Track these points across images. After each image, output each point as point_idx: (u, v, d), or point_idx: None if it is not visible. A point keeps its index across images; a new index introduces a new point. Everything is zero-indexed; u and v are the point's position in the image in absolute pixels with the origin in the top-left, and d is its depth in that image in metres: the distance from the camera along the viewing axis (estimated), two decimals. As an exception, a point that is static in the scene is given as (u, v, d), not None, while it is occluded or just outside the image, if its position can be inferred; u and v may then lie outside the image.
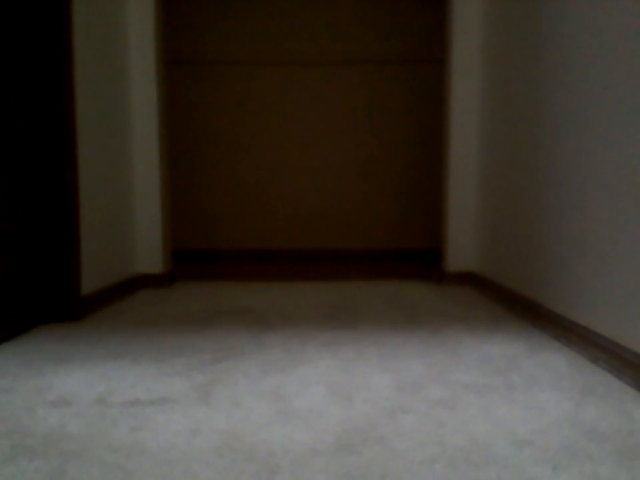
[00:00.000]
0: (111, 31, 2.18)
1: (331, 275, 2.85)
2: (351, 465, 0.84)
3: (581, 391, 1.15)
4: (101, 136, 2.06)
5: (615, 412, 1.04)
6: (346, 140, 3.16)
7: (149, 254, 2.46)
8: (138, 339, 1.58)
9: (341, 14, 3.12)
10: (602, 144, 1.35)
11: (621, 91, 1.26)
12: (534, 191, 1.80)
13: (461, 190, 2.52)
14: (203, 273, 2.89)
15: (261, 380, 1.23)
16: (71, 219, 1.79)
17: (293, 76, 3.12)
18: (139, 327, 1.73)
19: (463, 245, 2.53)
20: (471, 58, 2.46)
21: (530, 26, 1.83)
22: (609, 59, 1.32)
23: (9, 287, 1.62)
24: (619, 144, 1.27)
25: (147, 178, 2.44)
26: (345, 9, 3.12)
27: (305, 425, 0.99)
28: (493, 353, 1.43)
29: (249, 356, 1.41)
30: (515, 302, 1.91)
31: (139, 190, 2.44)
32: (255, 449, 0.89)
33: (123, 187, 2.29)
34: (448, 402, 1.09)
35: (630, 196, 1.22)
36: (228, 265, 3.08)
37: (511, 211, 2.04)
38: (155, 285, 2.46)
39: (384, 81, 3.14)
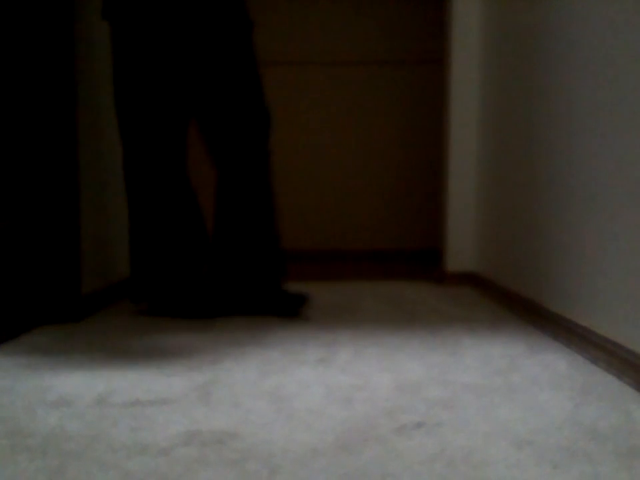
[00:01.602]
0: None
1: (331, 274, 2.85)
2: (351, 464, 0.84)
3: (580, 391, 1.15)
4: (102, 135, 2.06)
5: (615, 412, 1.04)
6: (345, 140, 3.16)
7: (148, 254, 2.45)
8: (138, 339, 1.58)
9: (339, 14, 3.12)
10: (603, 143, 1.35)
11: (622, 90, 1.26)
12: (534, 190, 1.80)
13: (460, 190, 2.52)
14: (202, 273, 2.89)
15: (261, 380, 1.23)
16: (71, 218, 1.79)
17: (292, 76, 3.12)
18: (139, 327, 1.73)
19: (463, 245, 2.53)
20: (471, 58, 2.46)
21: (530, 26, 1.83)
22: (610, 58, 1.32)
23: (9, 286, 1.62)
24: (620, 144, 1.27)
25: (147, 178, 2.43)
26: (343, 9, 3.12)
27: (304, 425, 0.99)
28: (493, 353, 1.43)
29: (248, 356, 1.41)
30: (515, 302, 1.91)
31: (139, 190, 2.43)
32: (255, 449, 0.89)
33: (123, 186, 2.29)
34: (448, 402, 1.09)
35: (630, 196, 1.22)
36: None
37: (511, 211, 2.04)
38: (154, 285, 2.46)
39: (383, 81, 3.14)
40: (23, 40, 1.68)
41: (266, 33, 3.09)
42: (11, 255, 1.63)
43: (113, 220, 2.18)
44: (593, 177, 1.40)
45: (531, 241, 1.82)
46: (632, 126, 1.21)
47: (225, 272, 1.89)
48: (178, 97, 1.81)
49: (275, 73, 3.10)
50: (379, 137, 3.17)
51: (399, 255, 3.16)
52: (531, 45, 1.82)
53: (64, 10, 1.73)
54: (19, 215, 1.68)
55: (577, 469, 0.82)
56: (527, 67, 1.86)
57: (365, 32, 3.11)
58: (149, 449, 0.90)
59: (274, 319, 1.84)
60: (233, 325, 1.75)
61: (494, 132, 2.25)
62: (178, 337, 1.61)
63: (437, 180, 3.02)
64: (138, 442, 0.92)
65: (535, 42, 1.78)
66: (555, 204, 1.63)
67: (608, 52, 1.32)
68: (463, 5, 2.44)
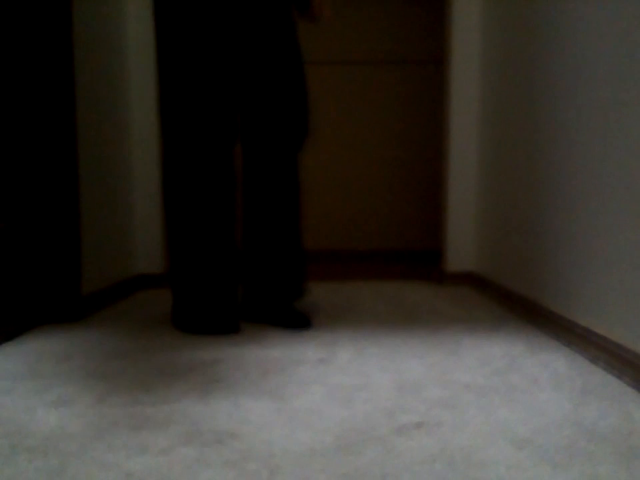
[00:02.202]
0: (111, 31, 2.18)
1: (331, 275, 2.85)
2: (351, 465, 0.84)
3: (580, 391, 1.15)
4: (101, 135, 2.06)
5: (615, 412, 1.04)
6: (344, 140, 3.16)
7: (149, 254, 2.46)
8: (138, 339, 1.58)
9: (339, 14, 3.12)
10: (602, 143, 1.35)
11: (623, 90, 1.26)
12: (534, 191, 1.80)
13: (461, 190, 2.51)
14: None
15: (261, 380, 1.23)
16: (71, 219, 1.79)
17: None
18: (139, 327, 1.73)
19: (463, 245, 2.53)
20: (471, 58, 2.46)
21: (530, 26, 1.83)
22: (608, 58, 1.32)
23: (9, 286, 1.62)
24: (620, 144, 1.27)
25: (147, 177, 2.44)
26: (343, 9, 3.12)
27: (304, 425, 0.99)
28: (493, 353, 1.43)
29: (248, 356, 1.41)
30: (515, 302, 1.91)
31: (140, 189, 2.44)
32: (255, 448, 0.89)
33: (123, 186, 2.29)
34: (448, 402, 1.09)
35: (631, 196, 1.22)
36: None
37: (511, 211, 2.04)
38: (155, 285, 2.46)
39: (383, 81, 3.14)
40: (21, 39, 1.68)
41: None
42: (11, 255, 1.63)
43: (113, 220, 2.18)
44: (593, 177, 1.40)
45: (531, 240, 1.82)
46: (633, 125, 1.21)
47: (252, 281, 1.81)
48: (227, 94, 1.68)
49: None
50: (379, 136, 3.17)
51: (399, 255, 3.16)
52: (531, 44, 1.82)
53: (62, 8, 1.73)
54: (19, 215, 1.68)
55: (577, 469, 0.82)
56: (527, 67, 1.86)
57: (364, 32, 3.11)
58: (148, 449, 0.90)
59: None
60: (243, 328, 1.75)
61: (494, 132, 2.25)
62: (178, 337, 1.61)
63: (437, 180, 3.02)
64: (138, 442, 0.92)
65: (536, 42, 1.78)
66: (555, 204, 1.63)
67: (609, 51, 1.32)
68: (462, 5, 2.44)
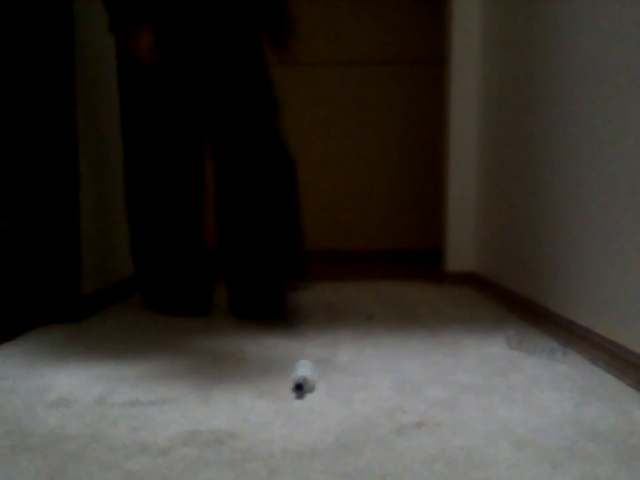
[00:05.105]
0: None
1: (331, 274, 2.85)
2: (351, 464, 0.84)
3: (580, 391, 1.15)
4: (102, 135, 2.06)
5: (615, 412, 1.04)
6: (345, 140, 3.16)
7: (149, 254, 2.45)
8: (138, 339, 1.58)
9: (339, 14, 3.12)
10: (603, 143, 1.35)
11: (622, 90, 1.26)
12: (534, 191, 1.80)
13: (460, 190, 2.51)
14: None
15: (261, 380, 1.23)
16: (71, 219, 1.79)
17: (291, 76, 3.12)
18: (138, 327, 1.73)
19: (463, 245, 2.53)
20: (471, 58, 2.46)
21: (530, 26, 1.83)
22: (608, 58, 1.32)
23: (9, 286, 1.62)
24: (621, 143, 1.27)
25: (147, 178, 2.43)
26: (343, 9, 3.12)
27: (304, 425, 0.99)
28: (493, 353, 1.43)
29: (249, 356, 1.41)
30: (515, 302, 1.91)
31: (139, 190, 2.43)
32: (255, 449, 0.89)
33: (123, 186, 2.29)
34: (448, 402, 1.09)
35: (631, 196, 1.22)
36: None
37: (511, 211, 2.04)
38: (155, 285, 2.45)
39: (384, 81, 3.14)
40: (22, 42, 1.68)
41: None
42: (11, 255, 1.63)
43: (113, 220, 2.18)
44: (593, 176, 1.40)
45: (531, 240, 1.82)
46: (633, 126, 1.21)
47: (231, 272, 1.90)
48: (189, 107, 1.81)
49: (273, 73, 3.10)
50: (379, 136, 3.16)
51: (399, 255, 3.16)
52: (531, 44, 1.82)
53: (63, 10, 1.73)
54: (20, 216, 1.68)
55: (577, 469, 0.82)
56: (527, 67, 1.86)
57: (364, 32, 3.11)
58: (148, 449, 0.90)
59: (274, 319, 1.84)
60: (233, 325, 1.75)
61: (494, 132, 2.25)
62: (178, 337, 1.61)
63: (437, 180, 3.01)
64: (138, 442, 0.92)
65: (536, 41, 1.78)
66: (555, 204, 1.63)
67: (609, 51, 1.32)
68: (463, 5, 2.44)
